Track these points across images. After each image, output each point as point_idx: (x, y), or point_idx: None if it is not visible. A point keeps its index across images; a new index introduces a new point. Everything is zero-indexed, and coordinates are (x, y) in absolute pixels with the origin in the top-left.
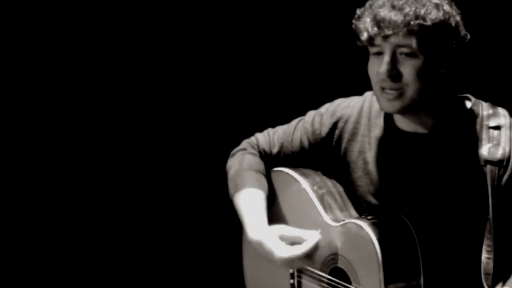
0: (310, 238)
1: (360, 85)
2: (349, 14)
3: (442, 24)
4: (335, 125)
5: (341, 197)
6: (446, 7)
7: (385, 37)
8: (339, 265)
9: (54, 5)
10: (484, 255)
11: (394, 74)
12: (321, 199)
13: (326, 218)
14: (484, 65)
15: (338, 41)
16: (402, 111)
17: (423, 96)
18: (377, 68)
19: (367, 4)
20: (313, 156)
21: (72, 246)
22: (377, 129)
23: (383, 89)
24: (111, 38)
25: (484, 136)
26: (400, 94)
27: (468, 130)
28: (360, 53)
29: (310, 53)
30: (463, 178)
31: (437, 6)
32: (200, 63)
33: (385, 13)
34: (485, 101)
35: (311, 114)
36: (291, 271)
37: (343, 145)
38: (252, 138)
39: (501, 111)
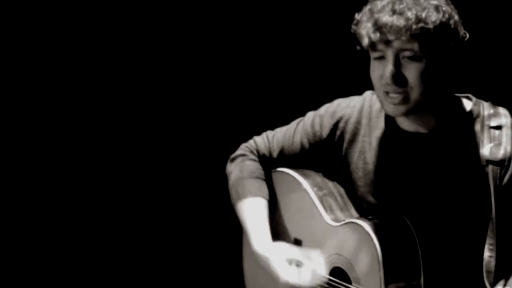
0: (318, 266)
1: (360, 85)
2: (347, 15)
3: (443, 26)
4: (335, 126)
5: (341, 198)
6: (445, 8)
7: (388, 42)
8: (339, 265)
9: (54, 5)
10: (487, 254)
11: (398, 78)
12: (322, 200)
13: (327, 218)
14: (484, 65)
15: (338, 41)
16: (407, 114)
17: (427, 97)
18: (380, 72)
19: (366, 9)
20: (314, 157)
21: (72, 246)
22: (378, 129)
23: (387, 93)
24: (111, 38)
25: (485, 136)
26: (405, 98)
27: (470, 130)
28: (359, 53)
29: (309, 53)
30: (465, 178)
31: (437, 7)
32: (199, 64)
33: (387, 18)
34: (486, 100)
35: (310, 115)
36: None
37: (344, 146)
38: (251, 142)
39: (502, 110)
